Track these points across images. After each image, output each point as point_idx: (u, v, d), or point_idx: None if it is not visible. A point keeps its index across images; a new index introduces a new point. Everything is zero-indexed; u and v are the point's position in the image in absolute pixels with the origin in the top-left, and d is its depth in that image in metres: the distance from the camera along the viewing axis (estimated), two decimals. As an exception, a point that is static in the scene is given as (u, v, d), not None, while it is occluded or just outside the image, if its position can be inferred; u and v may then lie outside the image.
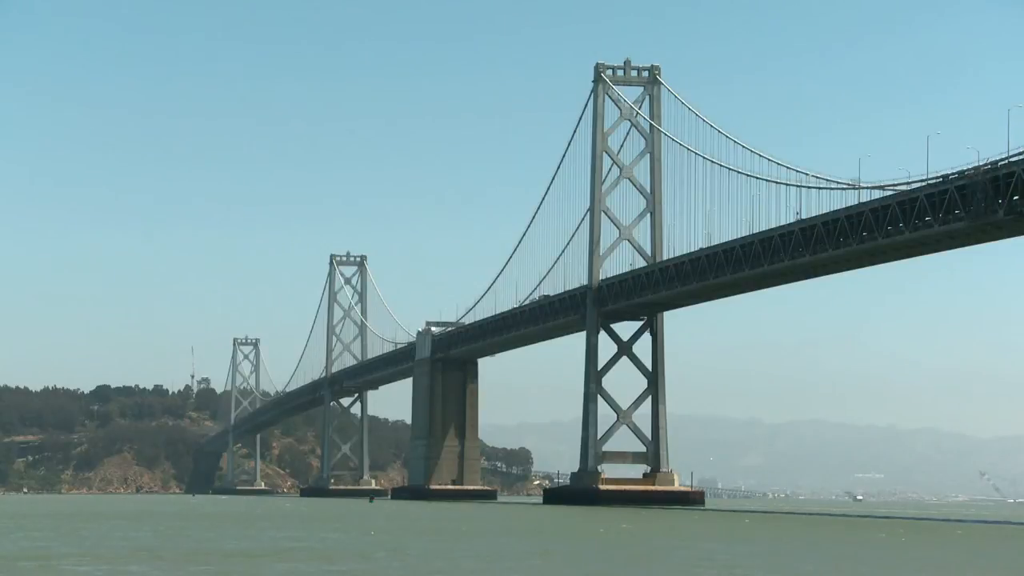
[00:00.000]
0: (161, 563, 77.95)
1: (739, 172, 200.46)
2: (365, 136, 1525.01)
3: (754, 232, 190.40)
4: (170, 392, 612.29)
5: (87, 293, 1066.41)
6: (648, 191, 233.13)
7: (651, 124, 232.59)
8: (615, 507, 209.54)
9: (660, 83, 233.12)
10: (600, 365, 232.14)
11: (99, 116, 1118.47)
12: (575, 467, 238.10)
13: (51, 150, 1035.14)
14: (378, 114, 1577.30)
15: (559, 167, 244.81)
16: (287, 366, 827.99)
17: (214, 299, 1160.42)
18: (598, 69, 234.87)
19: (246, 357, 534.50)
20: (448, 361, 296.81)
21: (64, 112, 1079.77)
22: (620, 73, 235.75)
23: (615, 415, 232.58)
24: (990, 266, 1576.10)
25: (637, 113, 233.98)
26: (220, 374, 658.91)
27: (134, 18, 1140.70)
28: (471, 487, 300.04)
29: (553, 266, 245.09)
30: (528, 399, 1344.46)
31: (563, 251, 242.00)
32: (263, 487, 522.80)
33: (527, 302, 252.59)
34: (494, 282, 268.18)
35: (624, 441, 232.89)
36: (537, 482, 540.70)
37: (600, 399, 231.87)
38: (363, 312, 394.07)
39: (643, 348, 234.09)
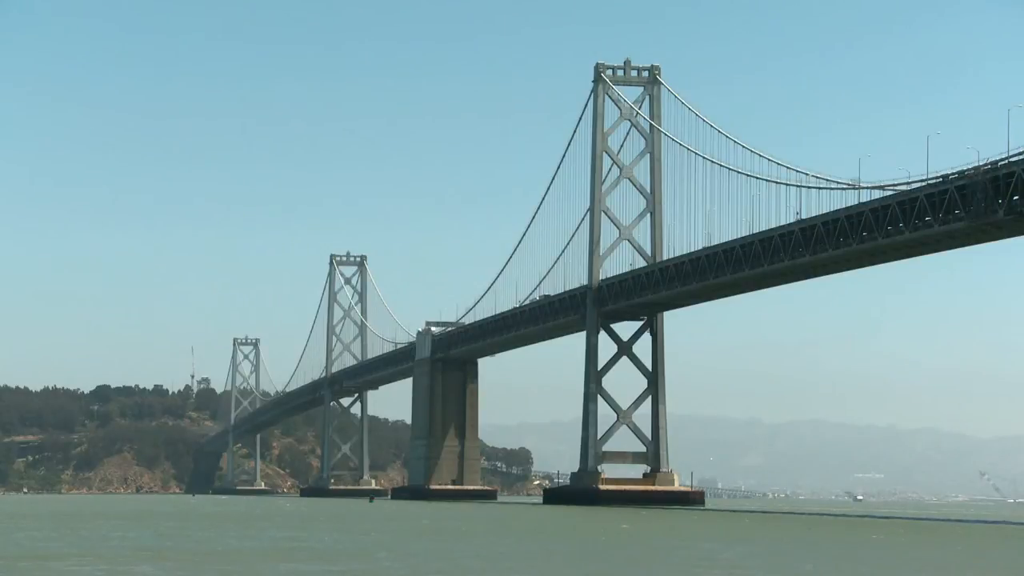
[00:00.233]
0: (162, 563, 77.94)
1: (739, 172, 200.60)
2: (365, 136, 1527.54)
3: (754, 232, 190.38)
4: (170, 392, 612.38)
5: (87, 293, 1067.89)
6: (648, 191, 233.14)
7: (651, 124, 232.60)
8: (615, 507, 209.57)
9: (660, 83, 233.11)
10: (600, 365, 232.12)
11: (99, 116, 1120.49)
12: (575, 467, 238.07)
13: (51, 150, 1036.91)
14: (378, 114, 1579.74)
15: (559, 167, 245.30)
16: (287, 366, 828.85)
17: (214, 299, 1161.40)
18: (598, 69, 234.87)
19: (246, 357, 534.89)
20: (448, 361, 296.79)
21: (64, 112, 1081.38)
22: (620, 73, 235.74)
23: (615, 415, 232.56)
24: (990, 266, 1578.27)
25: (637, 113, 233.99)
26: (220, 374, 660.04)
27: (134, 18, 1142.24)
28: (471, 487, 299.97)
29: (553, 266, 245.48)
30: (528, 399, 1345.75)
31: (563, 251, 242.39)
32: (263, 487, 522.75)
33: (527, 302, 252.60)
34: (494, 282, 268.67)
35: (624, 441, 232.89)
36: (537, 482, 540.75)
37: (600, 399, 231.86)
38: (363, 312, 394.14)
39: (643, 348, 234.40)
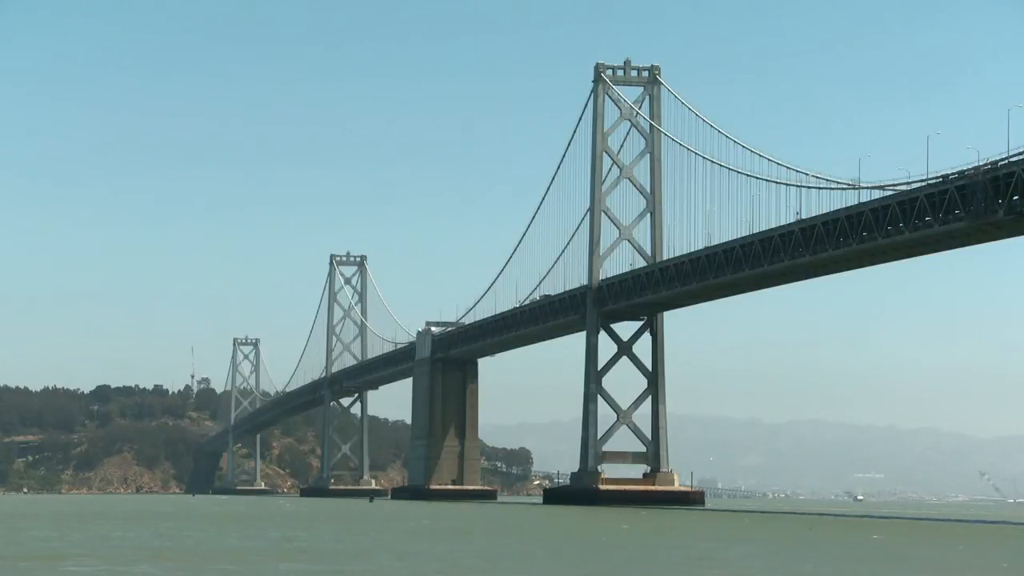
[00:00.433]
0: (162, 563, 77.96)
1: (739, 172, 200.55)
2: (365, 136, 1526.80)
3: (754, 232, 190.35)
4: (170, 392, 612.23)
5: (87, 293, 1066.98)
6: (648, 191, 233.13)
7: (651, 124, 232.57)
8: (615, 507, 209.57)
9: (660, 83, 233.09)
10: (600, 365, 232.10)
11: (99, 116, 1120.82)
12: (575, 467, 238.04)
13: (51, 150, 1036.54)
14: (378, 114, 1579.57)
15: (559, 167, 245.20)
16: (287, 366, 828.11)
17: (214, 299, 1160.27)
18: (598, 69, 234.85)
19: (246, 357, 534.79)
20: (448, 361, 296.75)
21: (64, 112, 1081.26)
22: (620, 73, 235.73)
23: (615, 415, 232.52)
24: (990, 266, 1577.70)
25: (637, 113, 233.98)
26: (220, 374, 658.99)
27: (134, 18, 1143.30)
28: (471, 487, 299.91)
29: (553, 266, 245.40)
30: (528, 399, 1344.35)
31: (563, 251, 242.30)
32: (263, 487, 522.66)
33: (527, 302, 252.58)
34: (494, 282, 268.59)
35: (624, 441, 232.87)
36: (537, 482, 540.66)
37: (600, 399, 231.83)
38: (363, 312, 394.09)
39: (643, 348, 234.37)
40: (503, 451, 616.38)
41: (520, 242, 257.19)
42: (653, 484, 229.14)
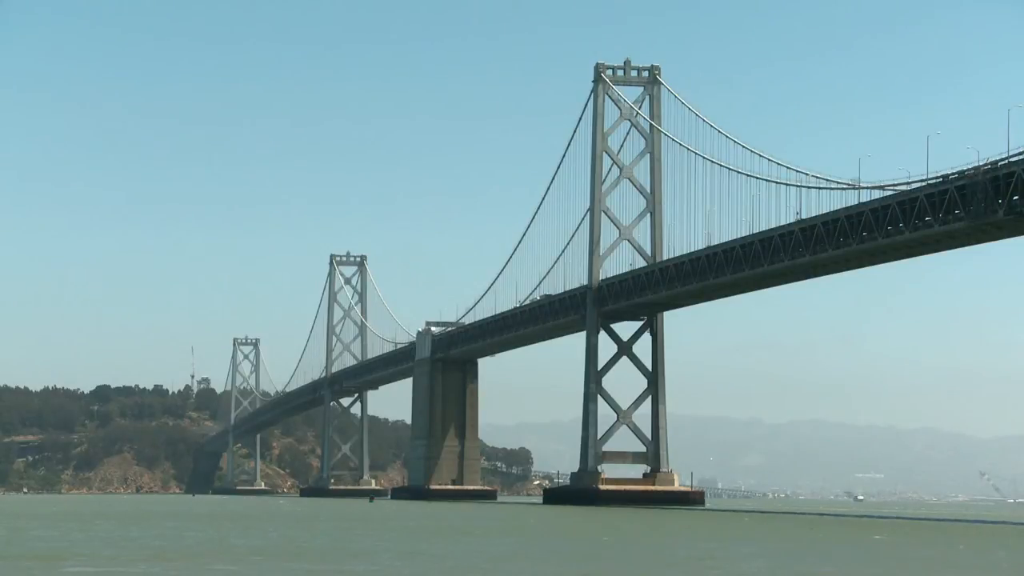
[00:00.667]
0: (161, 563, 77.94)
1: (739, 172, 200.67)
2: (365, 136, 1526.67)
3: (754, 232, 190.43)
4: (170, 392, 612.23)
5: (87, 293, 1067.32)
6: (648, 191, 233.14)
7: (651, 124, 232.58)
8: (615, 507, 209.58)
9: (660, 83, 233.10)
10: (600, 365, 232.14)
11: (98, 116, 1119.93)
12: (575, 467, 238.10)
13: (51, 150, 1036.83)
14: (378, 114, 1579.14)
15: (559, 167, 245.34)
16: (287, 366, 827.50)
17: (214, 299, 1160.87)
18: (598, 69, 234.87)
19: (246, 357, 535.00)
20: (448, 361, 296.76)
21: (64, 112, 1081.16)
22: (620, 73, 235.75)
23: (615, 415, 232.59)
24: (990, 266, 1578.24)
25: (637, 113, 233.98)
26: (220, 374, 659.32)
27: (133, 18, 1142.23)
28: (471, 487, 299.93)
29: (553, 266, 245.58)
30: (528, 399, 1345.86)
31: (563, 251, 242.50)
32: (263, 487, 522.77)
33: (527, 302, 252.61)
34: (494, 282, 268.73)
35: (624, 441, 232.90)
36: (537, 482, 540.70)
37: (600, 399, 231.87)
38: (363, 312, 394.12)
39: (643, 348, 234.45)
40: (503, 451, 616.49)
41: (520, 242, 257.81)
42: (653, 484, 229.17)
